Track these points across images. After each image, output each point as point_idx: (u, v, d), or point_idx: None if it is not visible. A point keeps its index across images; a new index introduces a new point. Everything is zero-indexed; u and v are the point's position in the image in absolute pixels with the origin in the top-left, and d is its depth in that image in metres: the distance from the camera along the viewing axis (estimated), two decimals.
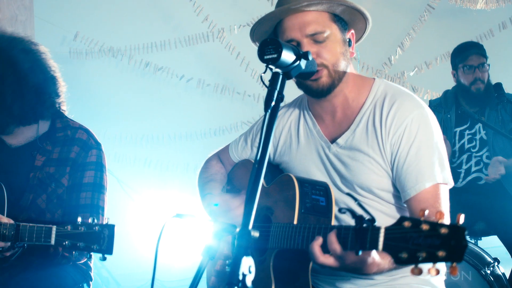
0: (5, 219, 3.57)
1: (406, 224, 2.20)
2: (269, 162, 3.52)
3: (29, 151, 3.99)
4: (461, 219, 2.11)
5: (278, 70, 2.58)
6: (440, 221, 2.13)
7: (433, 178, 3.05)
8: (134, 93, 7.41)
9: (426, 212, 2.18)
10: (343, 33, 3.21)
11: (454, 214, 3.05)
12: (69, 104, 6.57)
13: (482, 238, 6.00)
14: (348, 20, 3.25)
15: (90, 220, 3.45)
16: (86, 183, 3.97)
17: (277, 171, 3.47)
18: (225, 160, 3.76)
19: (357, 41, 3.34)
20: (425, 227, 2.15)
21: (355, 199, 2.61)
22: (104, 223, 3.45)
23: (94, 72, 7.26)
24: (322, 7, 3.13)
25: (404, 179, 3.09)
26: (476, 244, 5.52)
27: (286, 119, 3.49)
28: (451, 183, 3.14)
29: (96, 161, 4.02)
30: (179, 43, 7.39)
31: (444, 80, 6.95)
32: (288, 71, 2.62)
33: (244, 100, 7.63)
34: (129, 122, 7.39)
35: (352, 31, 3.27)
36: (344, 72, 3.18)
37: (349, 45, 3.24)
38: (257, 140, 3.60)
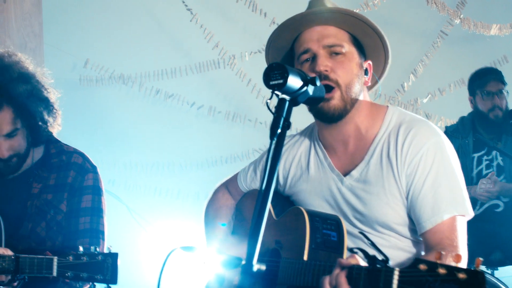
0: (2, 250, 3.49)
1: (422, 267, 2.07)
2: (280, 194, 3.41)
3: (25, 179, 3.93)
4: (479, 263, 2.00)
5: (284, 96, 2.49)
6: (457, 265, 2.01)
7: (450, 210, 2.92)
8: (145, 120, 7.36)
9: (443, 253, 2.07)
10: (360, 58, 3.12)
11: (470, 242, 2.96)
12: (79, 131, 6.57)
13: (499, 268, 5.87)
14: (367, 47, 3.16)
15: (92, 249, 3.37)
16: (84, 207, 3.91)
17: (287, 203, 3.34)
18: (233, 190, 3.65)
19: (379, 77, 3.25)
20: (442, 271, 2.02)
21: (368, 239, 2.50)
22: (105, 250, 3.36)
23: (104, 99, 7.22)
24: (344, 24, 3.04)
25: (419, 211, 2.96)
26: (492, 274, 5.40)
27: (296, 150, 3.37)
28: (471, 214, 3.00)
29: (93, 184, 3.96)
30: (190, 70, 7.34)
31: (458, 107, 6.86)
32: (295, 97, 2.53)
33: (255, 127, 7.56)
34: (139, 149, 7.33)
35: (370, 62, 3.19)
36: (357, 99, 3.08)
37: (366, 73, 3.15)
38: None
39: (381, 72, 3.27)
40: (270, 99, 2.50)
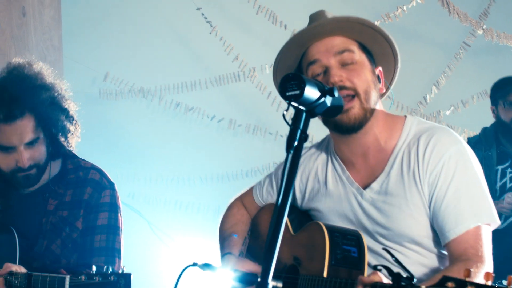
0: (15, 267, 3.44)
1: (450, 285, 1.99)
2: (297, 209, 3.32)
3: (41, 195, 3.88)
4: None
5: (301, 107, 2.42)
6: (487, 283, 1.93)
7: (474, 219, 2.84)
8: (165, 133, 7.33)
9: (472, 270, 1.99)
10: (371, 65, 3.05)
11: (493, 257, 2.87)
12: (99, 145, 6.54)
13: None
14: (376, 54, 3.09)
15: (105, 268, 3.29)
16: (100, 225, 3.84)
17: (305, 218, 3.25)
18: (248, 204, 3.56)
19: (389, 84, 3.18)
20: None
21: (392, 255, 2.42)
22: (119, 270, 3.29)
23: (124, 112, 7.21)
24: (351, 32, 2.98)
25: (442, 221, 2.87)
26: None
27: (313, 163, 3.28)
28: (497, 222, 2.91)
29: (110, 201, 3.89)
30: (210, 83, 7.30)
31: (481, 118, 6.76)
32: (312, 109, 2.45)
33: (276, 140, 7.50)
34: (159, 163, 7.30)
35: (380, 68, 3.12)
36: (375, 108, 3.00)
37: (378, 81, 3.08)
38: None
39: (391, 79, 3.20)
40: (286, 110, 2.41)
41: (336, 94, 2.50)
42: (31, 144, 3.74)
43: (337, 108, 2.63)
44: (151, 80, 7.24)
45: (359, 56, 3.00)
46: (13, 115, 3.66)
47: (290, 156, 2.29)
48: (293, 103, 2.40)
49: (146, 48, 7.24)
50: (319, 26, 2.99)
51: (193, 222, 7.28)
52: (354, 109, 2.91)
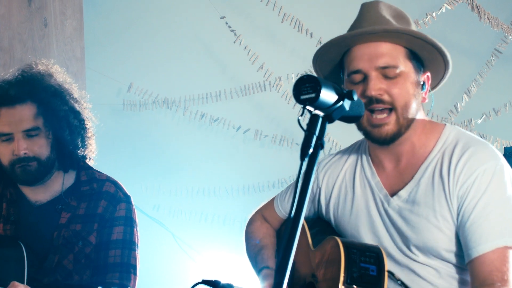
0: (22, 287, 3.32)
1: None
2: (321, 221, 3.20)
3: (53, 208, 3.77)
4: None
5: (317, 112, 2.27)
6: None
7: (501, 240, 2.68)
8: (190, 145, 7.27)
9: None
10: (417, 74, 2.90)
11: None
12: (123, 157, 6.46)
13: None
14: (425, 59, 2.95)
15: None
16: (115, 240, 3.72)
17: (329, 230, 3.13)
18: (270, 218, 3.43)
19: (433, 88, 3.05)
20: None
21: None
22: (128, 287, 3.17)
23: (149, 124, 7.14)
24: (400, 39, 2.83)
25: (466, 237, 2.72)
26: None
27: (341, 168, 3.15)
28: None
29: (126, 215, 3.77)
30: (235, 93, 7.22)
31: None
32: (329, 113, 2.30)
33: None
34: (184, 175, 7.23)
35: (428, 73, 2.97)
36: (413, 119, 2.86)
37: (423, 88, 2.94)
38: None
39: (437, 83, 3.07)
40: (301, 115, 2.29)
41: (355, 97, 2.35)
42: (29, 134, 3.64)
43: (356, 115, 2.49)
44: (176, 90, 7.19)
45: (404, 67, 2.87)
46: (12, 98, 3.59)
47: (304, 164, 2.16)
48: (308, 107, 2.27)
49: (170, 58, 7.20)
50: (366, 33, 2.86)
51: (219, 234, 7.20)
52: (388, 125, 2.82)
